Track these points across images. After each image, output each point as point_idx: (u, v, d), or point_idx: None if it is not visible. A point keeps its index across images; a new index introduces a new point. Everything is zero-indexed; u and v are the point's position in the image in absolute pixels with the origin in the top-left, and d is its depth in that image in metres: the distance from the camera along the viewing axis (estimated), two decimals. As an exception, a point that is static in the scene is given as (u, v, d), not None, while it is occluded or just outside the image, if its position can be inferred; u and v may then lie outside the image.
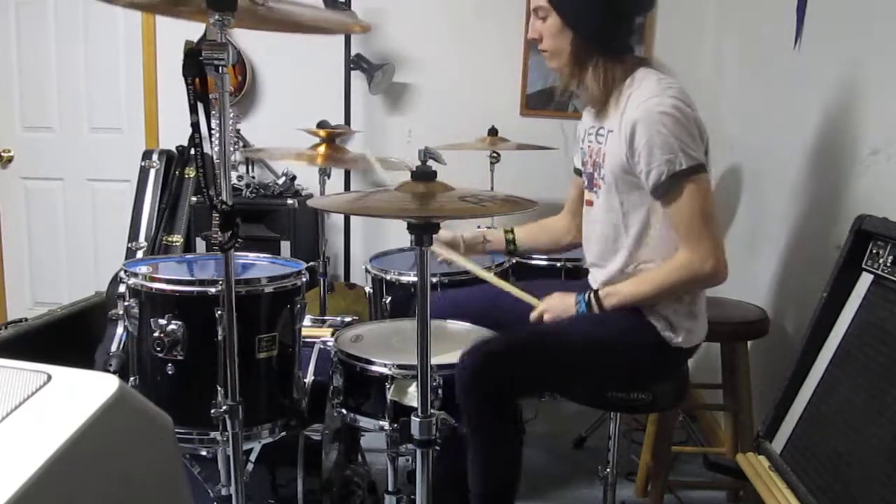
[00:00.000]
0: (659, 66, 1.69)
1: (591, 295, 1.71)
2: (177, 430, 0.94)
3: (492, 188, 2.94)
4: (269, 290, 1.76)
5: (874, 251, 1.51)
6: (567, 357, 1.70)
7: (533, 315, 1.77)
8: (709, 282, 1.64)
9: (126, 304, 1.75)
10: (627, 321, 1.70)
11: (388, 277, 2.26)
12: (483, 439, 1.63)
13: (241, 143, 3.31)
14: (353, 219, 3.55)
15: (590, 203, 1.80)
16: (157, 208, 3.26)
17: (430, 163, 1.44)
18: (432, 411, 1.41)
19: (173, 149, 3.36)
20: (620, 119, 1.62)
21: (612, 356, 1.70)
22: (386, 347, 1.85)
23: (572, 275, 2.41)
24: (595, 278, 1.82)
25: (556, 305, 1.75)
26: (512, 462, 1.68)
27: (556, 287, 1.89)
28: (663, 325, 1.68)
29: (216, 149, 1.43)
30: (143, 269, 1.81)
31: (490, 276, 1.90)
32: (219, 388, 1.56)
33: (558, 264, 2.44)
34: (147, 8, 1.66)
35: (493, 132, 2.92)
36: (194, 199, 3.22)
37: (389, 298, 2.23)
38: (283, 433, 1.82)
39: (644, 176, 1.59)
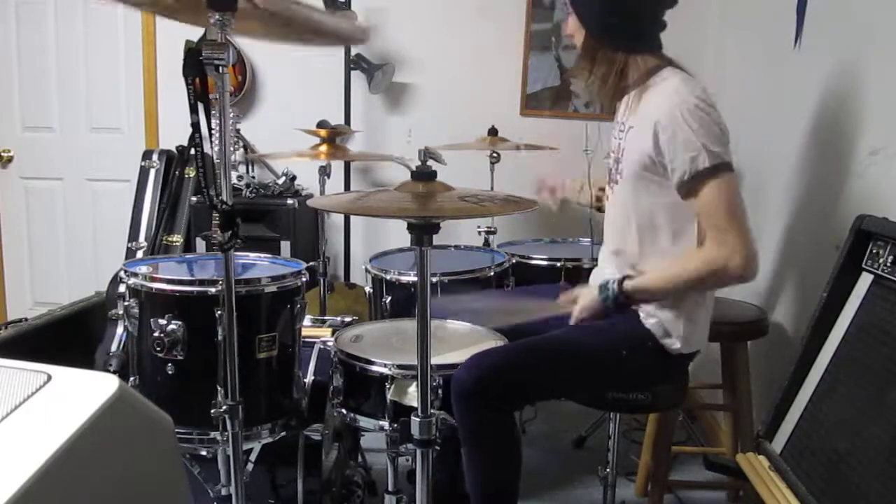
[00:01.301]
0: (684, 66, 1.68)
1: (614, 283, 1.66)
2: (177, 430, 0.94)
3: (492, 188, 2.94)
4: (269, 290, 1.76)
5: (874, 251, 1.51)
6: (564, 368, 1.69)
7: (574, 318, 1.74)
8: (736, 277, 1.58)
9: (126, 304, 1.75)
10: (624, 328, 1.69)
11: (388, 277, 2.26)
12: (481, 453, 1.62)
13: (241, 144, 3.31)
14: (353, 219, 3.55)
15: (607, 198, 1.81)
16: (157, 208, 3.26)
17: (430, 163, 1.44)
18: (432, 411, 1.42)
19: (173, 149, 3.36)
20: (643, 116, 1.62)
21: (610, 364, 1.69)
22: (386, 347, 1.85)
23: (572, 275, 2.41)
24: (602, 270, 1.81)
25: (585, 299, 1.72)
26: (510, 475, 1.66)
27: (559, 291, 1.88)
28: (661, 331, 1.67)
29: (216, 149, 1.43)
30: (143, 269, 1.81)
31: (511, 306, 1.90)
32: (219, 388, 1.56)
33: (558, 264, 2.44)
34: (152, 8, 1.66)
35: (493, 132, 2.92)
36: (194, 199, 3.22)
37: (389, 298, 2.23)
38: (283, 433, 1.82)
39: (670, 174, 1.58)
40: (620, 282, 1.67)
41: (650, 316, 1.68)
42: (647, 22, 1.70)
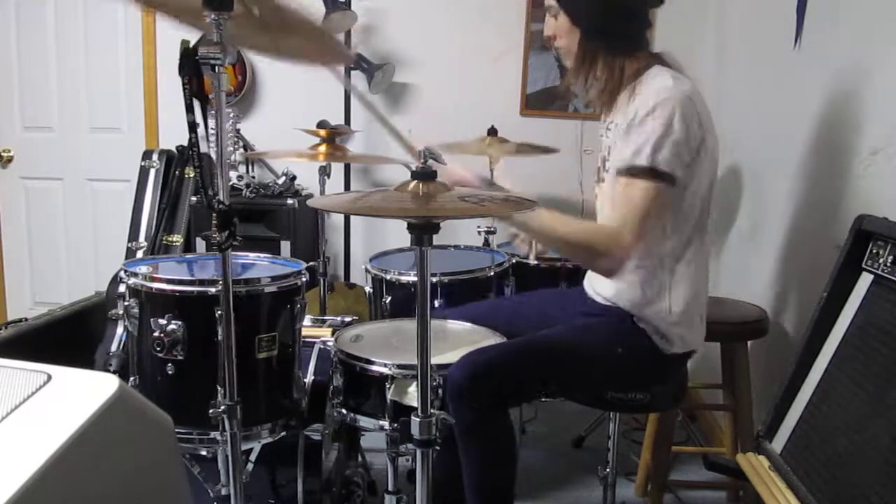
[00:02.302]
0: (672, 62, 1.68)
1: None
2: (177, 430, 0.94)
3: (492, 188, 2.94)
4: (269, 289, 1.76)
5: (874, 251, 1.51)
6: (559, 366, 1.69)
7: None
8: (603, 267, 1.60)
9: (126, 304, 1.75)
10: (619, 329, 1.69)
11: (388, 277, 2.25)
12: (476, 450, 1.62)
13: (241, 144, 3.31)
14: (353, 219, 3.55)
15: (596, 196, 1.81)
16: (157, 208, 3.26)
17: (430, 163, 1.44)
18: (432, 411, 1.41)
19: (173, 149, 3.36)
20: (631, 114, 1.61)
21: (606, 363, 1.69)
22: (386, 347, 1.85)
23: (572, 276, 2.41)
24: (595, 275, 1.81)
25: (466, 176, 1.76)
26: (506, 472, 1.67)
27: (556, 295, 1.89)
28: (655, 334, 1.67)
29: (214, 148, 1.43)
30: (143, 269, 1.81)
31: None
32: (218, 388, 1.55)
33: (558, 264, 2.44)
34: (156, 5, 1.65)
35: (492, 132, 2.92)
36: (194, 198, 3.22)
37: (389, 298, 2.23)
38: (283, 433, 1.82)
39: (618, 152, 1.59)
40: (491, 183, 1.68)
41: (642, 320, 1.68)
42: (639, 21, 1.71)
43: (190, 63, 1.32)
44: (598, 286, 1.78)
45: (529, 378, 1.68)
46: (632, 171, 1.54)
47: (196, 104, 1.35)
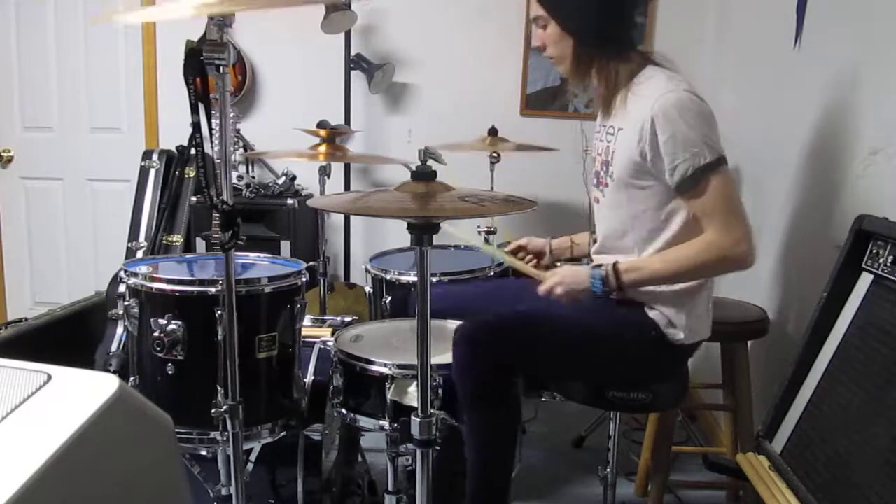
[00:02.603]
0: (664, 61, 1.69)
1: (611, 267, 1.64)
2: (177, 430, 0.94)
3: (492, 188, 2.94)
4: (269, 290, 1.76)
5: (874, 251, 1.51)
6: (567, 342, 1.70)
7: (542, 288, 1.70)
8: (738, 264, 1.61)
9: (126, 304, 1.75)
10: (628, 316, 1.69)
11: (388, 277, 2.26)
12: (482, 418, 1.63)
13: (241, 144, 3.31)
14: (353, 219, 3.55)
15: (596, 200, 1.81)
16: (157, 208, 3.26)
17: (430, 163, 1.44)
18: (432, 411, 1.42)
19: (173, 149, 3.36)
20: (632, 117, 1.62)
21: (613, 349, 1.70)
22: (386, 347, 1.85)
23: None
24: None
25: (568, 276, 1.68)
26: (509, 444, 1.68)
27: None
28: (665, 322, 1.68)
29: (216, 149, 1.43)
30: (143, 269, 1.81)
31: (508, 258, 1.92)
32: (219, 388, 1.56)
33: (558, 264, 2.44)
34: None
35: (493, 132, 2.92)
36: (194, 198, 3.22)
37: (389, 298, 2.23)
38: (283, 433, 1.82)
39: (669, 172, 1.58)
40: (615, 267, 1.64)
41: (652, 308, 1.68)
42: (628, 23, 1.74)
43: (195, 63, 1.32)
44: None
45: (541, 347, 1.68)
46: (702, 172, 1.55)
47: (199, 104, 1.35)
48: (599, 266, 1.67)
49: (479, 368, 1.60)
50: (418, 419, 1.40)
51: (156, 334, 1.68)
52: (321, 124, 2.53)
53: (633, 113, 1.62)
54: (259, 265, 2.01)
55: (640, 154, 1.60)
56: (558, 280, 1.69)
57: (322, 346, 1.98)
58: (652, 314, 1.68)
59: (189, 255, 2.22)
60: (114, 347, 2.58)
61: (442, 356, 1.69)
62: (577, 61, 1.69)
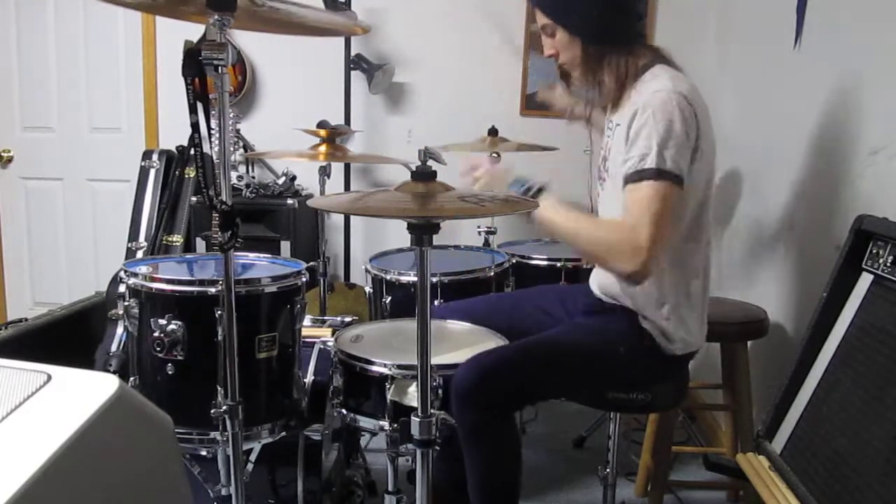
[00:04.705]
0: (671, 60, 1.68)
1: (536, 192, 1.67)
2: (177, 430, 0.94)
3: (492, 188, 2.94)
4: (269, 290, 1.76)
5: (874, 251, 1.51)
6: (563, 368, 1.69)
7: (463, 167, 1.78)
8: (624, 270, 1.54)
9: (126, 304, 1.75)
10: (622, 328, 1.69)
11: (388, 277, 2.25)
12: (481, 453, 1.62)
13: (241, 144, 3.31)
14: (353, 219, 3.55)
15: (598, 195, 1.81)
16: (157, 208, 3.26)
17: (430, 163, 1.44)
18: (432, 411, 1.41)
19: (173, 149, 3.36)
20: (627, 112, 1.61)
21: (609, 363, 1.70)
22: (386, 347, 1.85)
23: (572, 275, 2.41)
24: (600, 274, 1.81)
25: (497, 172, 1.76)
26: (511, 476, 1.66)
27: (556, 291, 1.88)
28: (657, 333, 1.67)
29: (216, 149, 1.43)
30: (143, 269, 1.81)
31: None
32: (219, 388, 1.55)
33: (558, 264, 2.44)
34: (148, 8, 1.66)
35: (493, 132, 2.92)
36: (194, 199, 3.22)
37: (389, 298, 2.23)
38: (283, 433, 1.82)
39: (622, 162, 1.58)
40: (539, 191, 1.67)
41: (645, 319, 1.68)
42: (634, 14, 1.71)
43: (193, 63, 1.32)
44: (603, 284, 1.78)
45: (536, 380, 1.68)
46: (640, 175, 1.53)
47: (198, 104, 1.35)
48: (526, 183, 1.70)
49: (475, 411, 1.59)
50: (418, 419, 1.40)
51: (156, 334, 1.68)
52: (321, 124, 2.53)
53: (629, 109, 1.61)
54: (259, 265, 2.01)
55: (625, 148, 1.59)
56: (485, 170, 1.77)
57: (322, 346, 1.98)
58: (645, 325, 1.68)
59: (189, 255, 2.22)
60: (114, 347, 2.58)
61: (442, 356, 1.69)
62: (588, 61, 1.68)
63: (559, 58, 1.73)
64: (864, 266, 1.54)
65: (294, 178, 3.33)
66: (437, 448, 1.43)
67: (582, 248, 1.68)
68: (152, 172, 3.33)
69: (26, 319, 2.68)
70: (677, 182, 1.52)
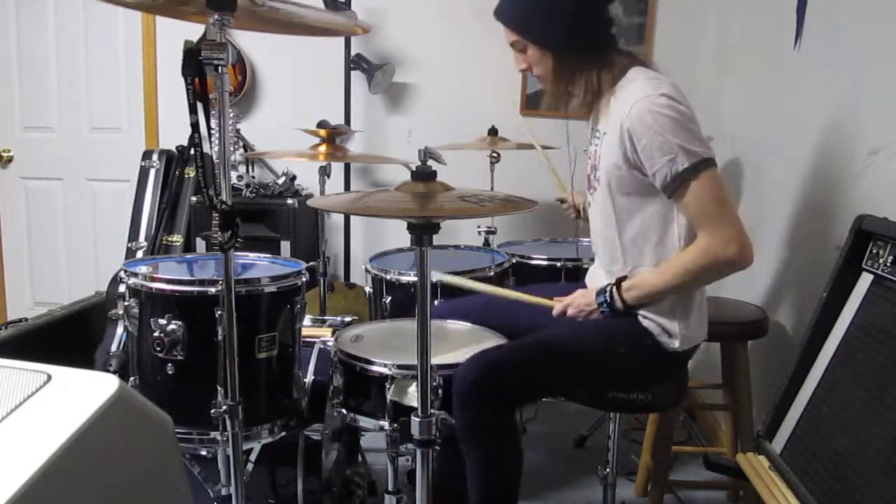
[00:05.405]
0: (648, 62, 1.68)
1: (613, 288, 1.67)
2: (177, 430, 0.94)
3: (492, 188, 2.94)
4: (269, 289, 1.76)
5: (874, 251, 1.51)
6: (564, 366, 1.69)
7: (556, 310, 1.75)
8: (733, 265, 1.58)
9: (126, 304, 1.75)
10: (622, 327, 1.69)
11: (388, 277, 2.25)
12: (481, 452, 1.62)
13: (241, 144, 3.31)
14: (353, 219, 3.55)
15: (589, 204, 1.81)
16: (157, 208, 3.26)
17: (430, 163, 1.44)
18: (432, 411, 1.41)
19: (173, 149, 3.36)
20: (613, 121, 1.61)
21: (609, 362, 1.70)
22: (386, 347, 1.85)
23: (572, 275, 2.41)
24: (596, 278, 1.82)
25: (579, 299, 1.73)
26: (511, 475, 1.66)
27: (557, 290, 1.88)
28: (658, 330, 1.67)
29: (216, 149, 1.43)
30: (143, 269, 1.81)
31: (501, 290, 1.89)
32: (219, 388, 1.56)
33: (558, 264, 2.44)
34: (148, 8, 1.67)
35: (493, 132, 2.92)
36: (194, 198, 3.22)
37: (389, 298, 2.23)
38: (283, 433, 1.82)
39: (651, 178, 1.58)
40: (618, 286, 1.67)
41: (645, 317, 1.68)
42: (603, 22, 1.69)
43: (193, 63, 1.32)
44: (601, 284, 1.78)
45: (537, 379, 1.68)
46: (681, 179, 1.53)
47: (198, 104, 1.35)
48: (605, 290, 1.69)
49: (475, 410, 1.59)
50: (418, 419, 1.40)
51: (156, 334, 1.68)
52: (321, 124, 2.53)
53: (614, 117, 1.61)
54: (259, 265, 2.02)
55: (622, 158, 1.59)
56: (569, 301, 1.74)
57: (322, 346, 1.98)
58: (645, 323, 1.68)
59: (189, 255, 2.22)
60: (114, 347, 2.58)
61: (442, 356, 1.69)
62: (559, 73, 1.68)
63: (532, 71, 1.73)
64: (864, 266, 1.54)
65: (294, 178, 3.33)
66: (437, 448, 1.43)
67: (692, 283, 1.65)
68: (152, 172, 3.33)
69: (26, 319, 2.68)
70: (713, 164, 1.55)
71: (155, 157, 3.34)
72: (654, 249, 1.66)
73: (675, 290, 1.64)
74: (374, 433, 1.80)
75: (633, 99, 1.57)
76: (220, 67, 1.34)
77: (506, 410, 1.64)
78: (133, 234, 3.25)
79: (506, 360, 1.65)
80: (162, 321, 1.68)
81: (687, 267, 1.60)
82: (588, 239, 1.97)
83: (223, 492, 1.88)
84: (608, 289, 1.68)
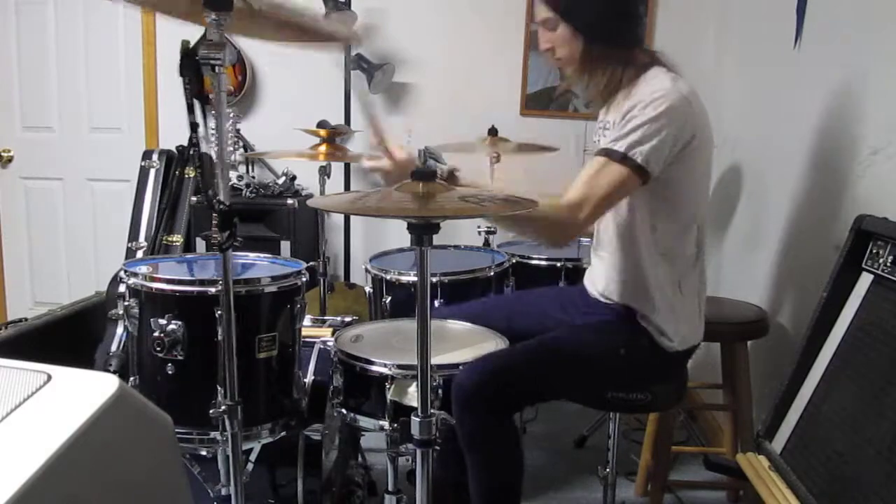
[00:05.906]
0: (670, 63, 1.68)
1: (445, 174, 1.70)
2: (177, 430, 0.94)
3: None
4: (269, 289, 1.76)
5: (874, 251, 1.51)
6: (564, 370, 1.70)
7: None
8: (561, 229, 1.60)
9: (126, 304, 1.75)
10: (621, 329, 1.70)
11: (388, 277, 2.25)
12: (482, 456, 1.62)
13: (241, 144, 3.31)
14: (353, 219, 3.55)
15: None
16: (157, 208, 3.26)
17: (430, 162, 1.44)
18: (432, 411, 1.41)
19: (173, 149, 3.36)
20: (623, 110, 1.61)
21: (610, 364, 1.70)
22: (386, 347, 1.85)
23: (572, 275, 2.41)
24: (595, 270, 1.82)
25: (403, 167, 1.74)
26: (512, 479, 1.66)
27: (555, 294, 1.88)
28: (656, 332, 1.68)
29: (214, 149, 1.43)
30: (143, 269, 1.81)
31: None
32: (219, 388, 1.56)
33: (558, 265, 2.44)
34: (150, 5, 1.66)
35: (493, 132, 2.92)
36: (194, 198, 3.22)
37: (389, 298, 2.23)
38: (283, 433, 1.82)
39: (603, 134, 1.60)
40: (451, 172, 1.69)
41: (644, 318, 1.68)
42: (635, 17, 1.72)
43: (190, 63, 1.32)
44: (599, 285, 1.78)
45: (537, 383, 1.68)
46: (608, 153, 1.56)
47: (196, 104, 1.35)
48: (434, 167, 1.71)
49: (476, 415, 1.59)
50: (418, 419, 1.40)
51: (156, 334, 1.68)
52: (321, 124, 2.52)
53: (623, 109, 1.61)
54: (259, 265, 2.01)
55: None
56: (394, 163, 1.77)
57: (322, 346, 1.98)
58: (643, 323, 1.68)
59: (189, 255, 2.22)
60: (114, 347, 2.58)
61: (442, 356, 1.69)
62: (585, 61, 1.68)
63: (555, 53, 1.72)
64: (864, 266, 1.54)
65: (294, 177, 3.33)
66: (438, 448, 1.43)
67: (519, 221, 1.65)
68: (152, 172, 3.33)
69: (26, 319, 2.68)
70: (642, 175, 1.55)
71: (155, 157, 3.34)
72: (651, 235, 1.66)
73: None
74: (374, 433, 1.80)
75: (648, 91, 1.57)
76: (217, 67, 1.34)
77: (506, 415, 1.64)
78: (133, 234, 3.25)
79: (506, 365, 1.64)
80: (162, 321, 1.68)
81: (543, 208, 1.50)
82: (588, 239, 1.97)
83: (223, 492, 1.88)
84: (439, 169, 1.71)
